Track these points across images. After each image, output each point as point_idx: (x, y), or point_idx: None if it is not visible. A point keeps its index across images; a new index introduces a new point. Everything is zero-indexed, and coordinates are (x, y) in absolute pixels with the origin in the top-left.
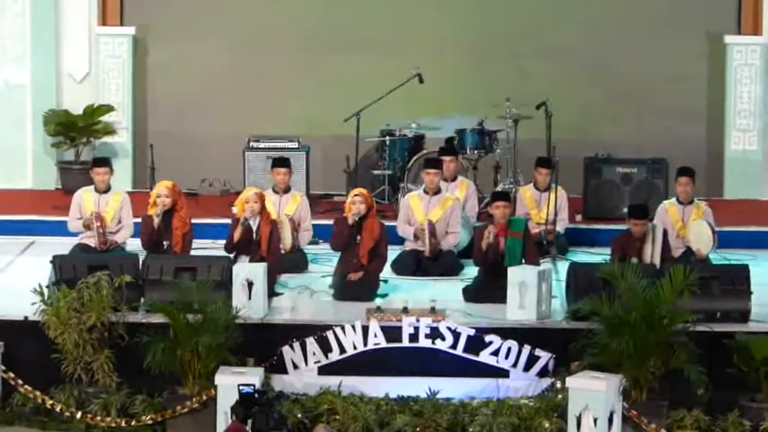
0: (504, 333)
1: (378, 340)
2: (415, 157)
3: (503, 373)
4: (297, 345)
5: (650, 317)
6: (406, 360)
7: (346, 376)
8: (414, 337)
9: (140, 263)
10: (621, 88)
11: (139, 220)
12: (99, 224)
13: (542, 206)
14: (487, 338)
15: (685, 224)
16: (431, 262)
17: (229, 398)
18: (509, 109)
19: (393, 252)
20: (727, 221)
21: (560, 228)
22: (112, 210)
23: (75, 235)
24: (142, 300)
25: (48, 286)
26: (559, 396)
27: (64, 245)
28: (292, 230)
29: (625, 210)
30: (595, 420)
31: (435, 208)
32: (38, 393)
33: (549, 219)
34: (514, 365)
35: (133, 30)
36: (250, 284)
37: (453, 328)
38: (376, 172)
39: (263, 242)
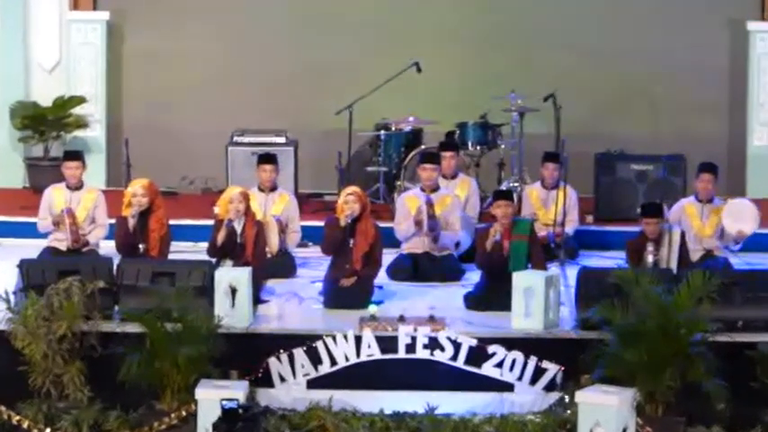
0: (509, 343)
1: (372, 351)
2: (412, 153)
3: (507, 387)
4: (284, 356)
5: (666, 326)
6: (403, 373)
7: (338, 390)
8: (411, 348)
9: (115, 267)
10: (635, 79)
11: (114, 221)
12: (70, 220)
13: (550, 206)
14: (490, 349)
15: (704, 224)
16: (429, 266)
17: (211, 414)
18: (514, 101)
19: (389, 256)
20: None
21: (569, 229)
22: (85, 209)
23: (44, 237)
24: (116, 307)
25: (14, 293)
26: (568, 411)
27: (32, 248)
28: (279, 232)
29: (639, 210)
30: None
31: (434, 206)
32: (3, 409)
33: (557, 219)
34: (520, 378)
35: (107, 15)
36: (234, 291)
37: (453, 339)
38: (370, 169)
39: (249, 245)
